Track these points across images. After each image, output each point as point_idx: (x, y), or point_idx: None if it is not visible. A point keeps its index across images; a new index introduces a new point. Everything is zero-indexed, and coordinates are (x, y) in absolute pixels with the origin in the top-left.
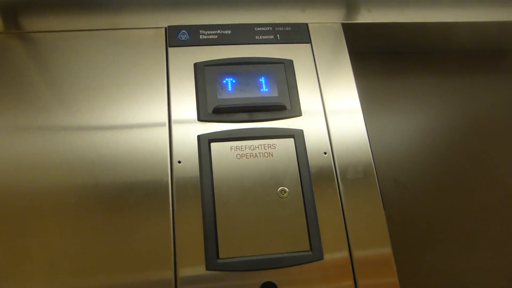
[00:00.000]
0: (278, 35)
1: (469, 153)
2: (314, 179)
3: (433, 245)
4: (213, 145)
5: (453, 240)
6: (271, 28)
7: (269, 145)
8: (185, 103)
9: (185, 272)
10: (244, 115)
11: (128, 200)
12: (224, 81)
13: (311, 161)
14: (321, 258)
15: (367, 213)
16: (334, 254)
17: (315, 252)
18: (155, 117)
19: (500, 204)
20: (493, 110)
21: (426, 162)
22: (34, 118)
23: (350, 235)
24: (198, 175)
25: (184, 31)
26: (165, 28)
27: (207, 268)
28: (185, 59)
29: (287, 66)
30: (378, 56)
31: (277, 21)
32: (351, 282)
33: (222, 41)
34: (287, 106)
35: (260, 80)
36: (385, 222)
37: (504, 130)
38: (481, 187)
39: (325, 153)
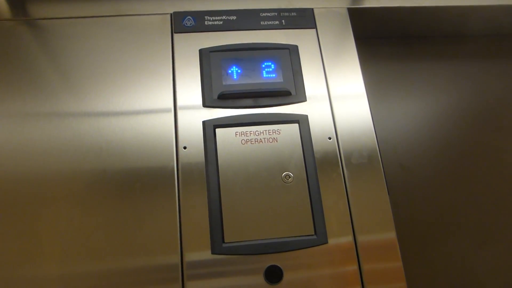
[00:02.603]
0: (283, 21)
1: (479, 139)
2: (318, 164)
3: (438, 231)
4: (218, 130)
5: (459, 227)
6: (276, 14)
7: (274, 131)
8: (191, 89)
9: (191, 256)
10: (249, 101)
11: (135, 185)
12: (229, 67)
13: (315, 146)
14: (326, 242)
15: (372, 198)
16: (339, 239)
17: (320, 237)
18: (161, 103)
19: (508, 192)
20: (505, 96)
21: (433, 148)
22: (42, 105)
23: (355, 220)
24: (204, 160)
25: (189, 17)
26: (171, 14)
27: (213, 252)
28: (191, 45)
29: (292, 52)
30: (384, 40)
31: (282, 6)
32: (355, 266)
33: (227, 27)
34: (292, 91)
35: (265, 65)
36: (390, 207)
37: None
38: (489, 174)
39: (330, 138)
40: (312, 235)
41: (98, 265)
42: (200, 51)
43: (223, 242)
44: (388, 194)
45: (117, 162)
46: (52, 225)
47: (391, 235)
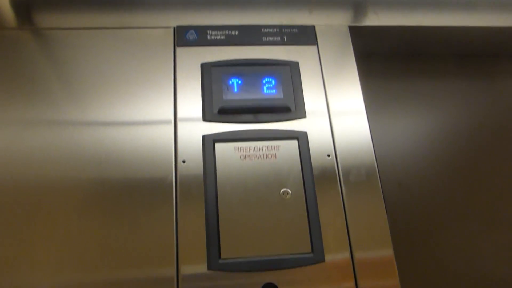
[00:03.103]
0: (285, 37)
1: (476, 158)
2: (317, 181)
3: (436, 249)
4: (217, 145)
5: (457, 245)
6: (278, 30)
7: (273, 147)
8: (191, 103)
9: (186, 270)
10: (249, 116)
11: (133, 197)
12: (230, 82)
13: (314, 163)
14: (323, 260)
15: (369, 215)
16: (336, 256)
17: (317, 254)
18: (162, 116)
19: (506, 212)
20: (504, 116)
21: (432, 166)
22: (44, 113)
23: (352, 238)
24: (202, 174)
25: (192, 31)
26: (174, 28)
27: (209, 268)
28: (193, 59)
29: (293, 68)
30: (384, 58)
31: (284, 23)
32: (352, 284)
33: (229, 41)
34: (291, 107)
35: (266, 81)
36: (387, 225)
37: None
38: (487, 194)
39: (329, 155)
40: (309, 253)
41: (93, 276)
42: (202, 65)
43: (220, 257)
44: (386, 211)
45: (116, 173)
46: (49, 234)
47: (389, 252)
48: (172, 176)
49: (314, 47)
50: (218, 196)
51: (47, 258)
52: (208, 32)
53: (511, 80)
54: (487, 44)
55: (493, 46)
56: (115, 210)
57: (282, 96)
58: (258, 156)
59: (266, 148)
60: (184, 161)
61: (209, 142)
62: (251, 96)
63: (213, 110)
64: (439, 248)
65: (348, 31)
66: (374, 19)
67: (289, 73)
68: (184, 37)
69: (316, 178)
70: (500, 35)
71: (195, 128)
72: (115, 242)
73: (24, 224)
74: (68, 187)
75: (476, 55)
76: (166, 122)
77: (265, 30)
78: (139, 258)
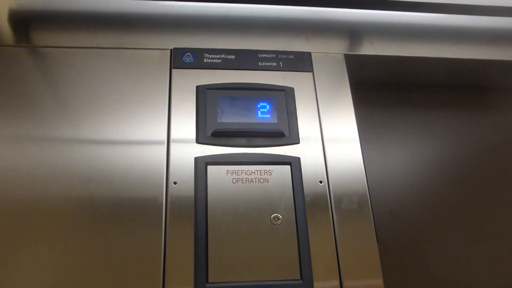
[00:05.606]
0: (281, 63)
1: (471, 189)
2: (308, 207)
3: (426, 281)
4: (209, 168)
5: (449, 276)
6: (274, 55)
7: (265, 171)
8: (185, 125)
9: None
10: (242, 140)
11: (122, 217)
12: (225, 105)
13: (306, 189)
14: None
15: (360, 244)
16: (325, 283)
17: (306, 282)
18: (155, 136)
19: (499, 242)
20: (497, 147)
21: (425, 196)
22: (36, 130)
23: (342, 266)
24: (193, 197)
25: (188, 53)
26: (171, 50)
27: None
28: (188, 81)
29: (288, 94)
30: (379, 87)
31: (281, 49)
32: None
33: (225, 65)
34: (285, 133)
35: (261, 106)
36: (378, 254)
37: (503, 165)
38: (481, 226)
39: (321, 182)
40: (297, 279)
41: None
42: (197, 87)
43: (207, 281)
44: (377, 240)
45: (105, 192)
46: (33, 251)
47: (378, 282)
48: (162, 197)
49: (310, 74)
50: (208, 219)
51: (31, 277)
52: (205, 55)
53: (502, 111)
54: (478, 75)
55: (485, 78)
56: (103, 229)
57: (276, 121)
58: (250, 180)
59: (259, 173)
60: (175, 183)
61: (201, 164)
62: (245, 120)
63: (207, 133)
64: (431, 279)
65: (344, 59)
66: (370, 48)
67: (284, 99)
68: (180, 59)
69: (307, 204)
70: (489, 67)
71: (188, 150)
72: (101, 262)
73: (8, 242)
74: (55, 205)
75: (468, 86)
76: (159, 142)
77: (262, 55)
78: (125, 279)
